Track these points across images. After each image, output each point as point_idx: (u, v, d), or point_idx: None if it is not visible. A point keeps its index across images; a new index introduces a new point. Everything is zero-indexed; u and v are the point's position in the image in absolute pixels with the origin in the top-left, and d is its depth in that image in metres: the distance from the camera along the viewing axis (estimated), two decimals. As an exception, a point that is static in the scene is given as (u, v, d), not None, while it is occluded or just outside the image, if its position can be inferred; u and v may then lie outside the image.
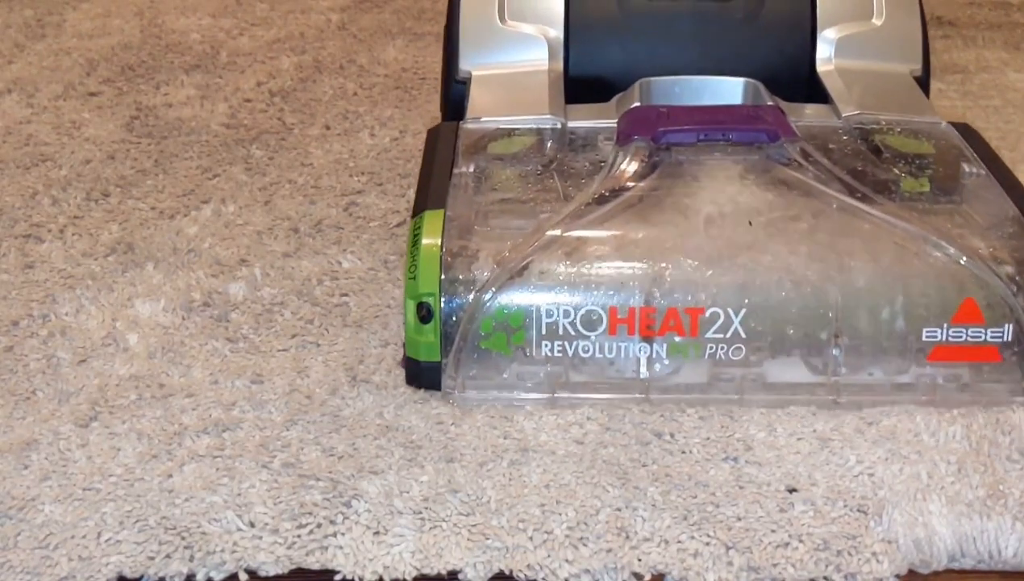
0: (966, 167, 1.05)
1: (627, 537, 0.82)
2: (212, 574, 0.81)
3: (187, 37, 1.69)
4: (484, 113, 1.13)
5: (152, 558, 0.81)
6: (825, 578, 0.80)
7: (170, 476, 0.88)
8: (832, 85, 1.17)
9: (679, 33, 1.22)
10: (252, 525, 0.83)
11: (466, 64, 1.20)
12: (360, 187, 1.29)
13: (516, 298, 0.94)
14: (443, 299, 0.95)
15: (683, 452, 0.90)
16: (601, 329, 0.94)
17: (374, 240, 1.19)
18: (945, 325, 0.94)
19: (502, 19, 1.22)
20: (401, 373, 0.98)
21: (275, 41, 1.68)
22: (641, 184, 1.00)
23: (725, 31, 1.22)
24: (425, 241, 0.96)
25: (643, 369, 0.95)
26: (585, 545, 0.82)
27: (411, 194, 1.08)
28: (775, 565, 0.81)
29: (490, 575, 0.80)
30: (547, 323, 0.94)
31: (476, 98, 1.16)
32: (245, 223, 1.22)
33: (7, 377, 0.99)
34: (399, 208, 1.25)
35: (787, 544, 0.82)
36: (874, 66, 1.20)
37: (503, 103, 1.15)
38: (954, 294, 0.94)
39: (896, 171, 1.04)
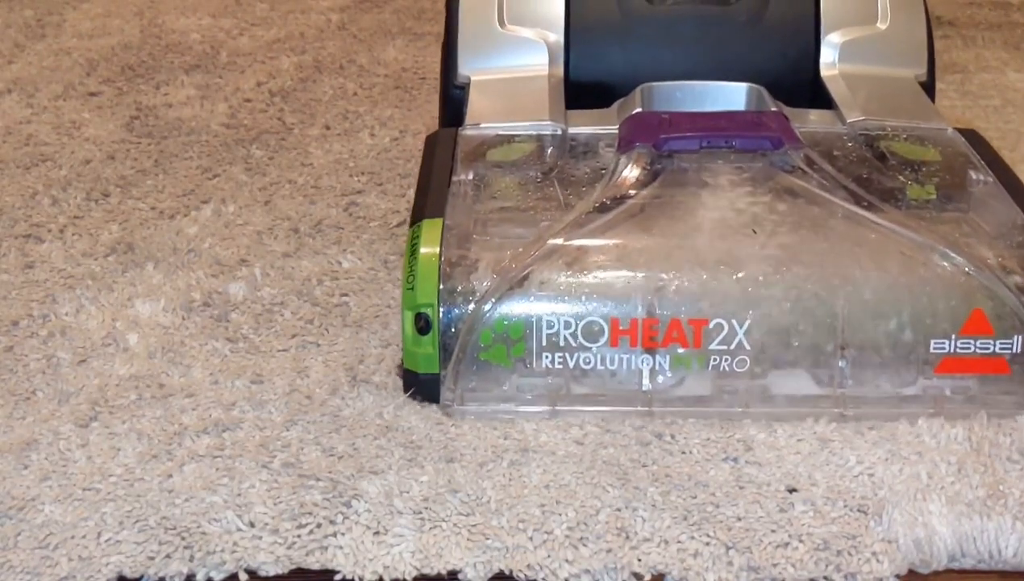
0: (973, 174, 1.04)
1: (627, 537, 0.82)
2: (212, 574, 0.81)
3: (187, 37, 1.69)
4: (483, 119, 1.12)
5: (152, 558, 0.81)
6: (825, 578, 0.80)
7: (170, 476, 0.88)
8: (836, 90, 1.16)
9: (681, 37, 1.21)
10: (252, 525, 0.83)
11: (465, 69, 1.19)
12: (360, 187, 1.29)
13: (516, 309, 0.93)
14: (442, 310, 0.93)
15: (683, 452, 0.90)
16: (603, 340, 0.93)
17: (374, 240, 1.19)
18: (953, 336, 0.92)
19: (501, 23, 1.20)
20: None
21: (275, 41, 1.68)
22: (643, 192, 0.99)
23: (728, 35, 1.21)
24: (423, 250, 0.95)
25: (645, 381, 0.94)
26: (585, 545, 0.82)
27: (411, 194, 1.07)
28: (775, 565, 0.80)
29: (490, 575, 0.80)
30: (548, 334, 0.93)
31: (475, 104, 1.15)
32: (245, 223, 1.22)
33: (7, 377, 0.99)
34: (399, 208, 1.25)
35: (787, 544, 0.82)
36: (879, 71, 1.19)
37: (502, 109, 1.14)
38: (962, 305, 0.92)
39: (902, 178, 1.02)
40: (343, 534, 0.83)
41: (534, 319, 0.93)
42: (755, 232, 0.96)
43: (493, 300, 0.93)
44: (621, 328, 0.93)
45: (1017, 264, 0.94)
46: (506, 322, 0.93)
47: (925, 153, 1.06)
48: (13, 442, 0.91)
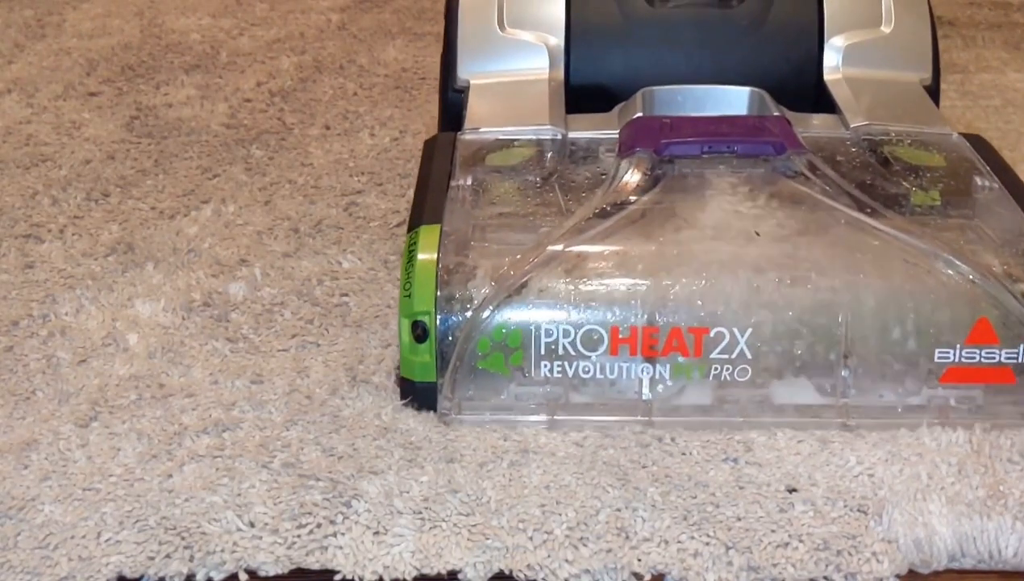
0: (978, 180, 1.02)
1: (627, 537, 0.82)
2: (212, 574, 0.81)
3: (187, 37, 1.69)
4: (482, 123, 1.11)
5: (152, 558, 0.81)
6: (825, 578, 0.80)
7: (170, 476, 0.88)
8: (840, 94, 1.14)
9: (683, 41, 1.19)
10: (252, 525, 0.83)
11: (464, 72, 1.18)
12: (360, 187, 1.29)
13: (514, 316, 0.92)
14: (439, 317, 0.92)
15: (683, 454, 0.90)
16: (602, 349, 0.92)
17: (374, 240, 1.19)
18: (958, 346, 0.91)
19: (501, 26, 1.19)
20: (401, 373, 0.99)
21: (275, 41, 1.68)
22: (644, 198, 0.98)
23: (730, 38, 1.19)
24: (421, 257, 0.94)
25: (646, 390, 0.92)
26: (585, 545, 0.82)
27: (411, 194, 1.07)
28: (775, 565, 0.80)
29: (490, 575, 0.80)
30: (546, 343, 0.91)
31: (474, 108, 1.14)
32: (245, 223, 1.22)
33: (7, 377, 0.99)
34: (399, 208, 1.25)
35: (787, 544, 0.82)
36: (883, 75, 1.18)
37: (502, 113, 1.13)
38: (967, 313, 0.91)
39: (906, 184, 1.01)
40: (343, 534, 0.83)
41: (533, 327, 0.91)
42: (758, 234, 0.95)
43: (491, 308, 0.92)
44: (621, 336, 0.91)
45: (1023, 272, 0.93)
46: (504, 330, 0.92)
47: (930, 158, 1.05)
48: (13, 442, 0.91)
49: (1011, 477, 0.87)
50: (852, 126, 1.10)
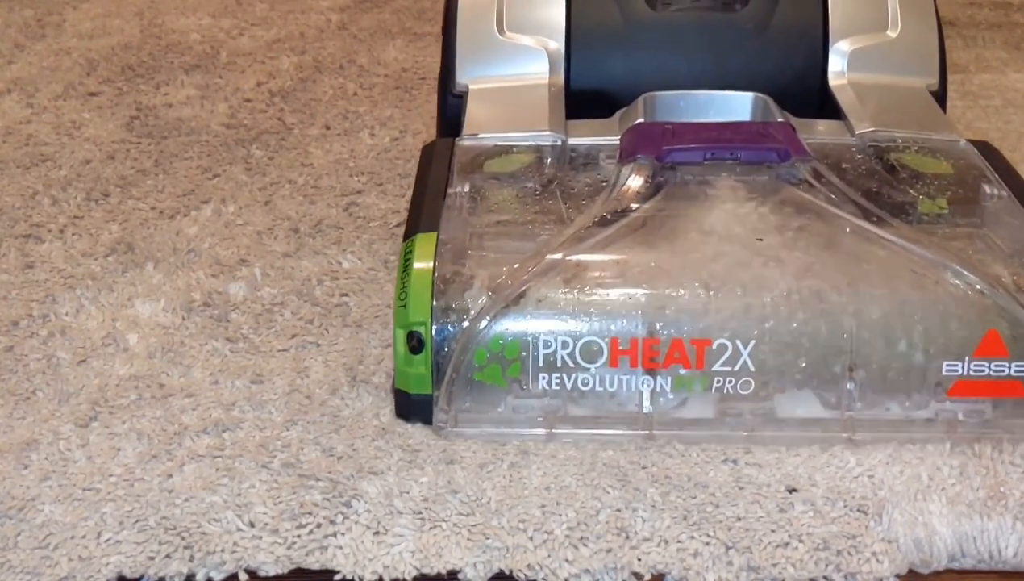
0: (987, 188, 1.01)
1: (627, 537, 0.82)
2: (212, 574, 0.81)
3: (187, 37, 1.69)
4: (481, 129, 1.09)
5: (152, 558, 0.81)
6: (825, 578, 0.80)
7: (170, 476, 0.88)
8: (845, 100, 1.13)
9: (685, 45, 1.18)
10: (252, 525, 0.83)
11: (463, 77, 1.16)
12: (360, 187, 1.29)
13: (512, 327, 0.90)
14: (435, 328, 0.90)
15: (683, 455, 0.90)
16: (602, 361, 0.90)
17: (374, 240, 1.19)
18: (966, 358, 0.89)
19: (501, 30, 1.18)
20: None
21: (275, 41, 1.68)
22: (645, 206, 0.96)
23: (733, 43, 1.17)
24: (416, 266, 0.92)
25: (646, 403, 0.90)
26: (585, 545, 0.82)
27: (411, 195, 1.07)
28: (775, 565, 0.80)
29: (490, 575, 0.80)
30: (545, 354, 0.89)
31: (473, 113, 1.12)
32: (245, 223, 1.22)
33: (7, 377, 0.99)
34: (399, 208, 1.25)
35: (787, 544, 0.82)
36: (889, 80, 1.16)
37: (501, 118, 1.11)
38: (976, 325, 0.89)
39: (913, 192, 1.00)
40: (343, 534, 0.83)
41: (531, 338, 0.89)
42: (760, 239, 0.93)
43: (488, 318, 0.90)
44: (621, 348, 0.90)
45: None
46: (502, 341, 0.90)
47: (937, 166, 1.03)
48: (13, 442, 0.91)
49: (1012, 478, 0.87)
50: (858, 132, 1.08)
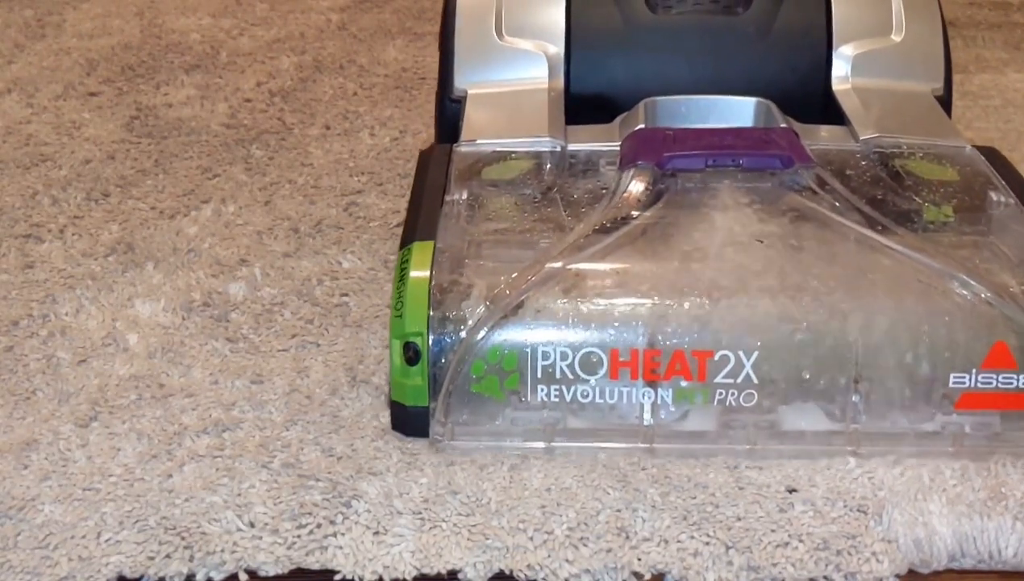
0: (993, 195, 0.99)
1: (627, 537, 0.82)
2: (212, 574, 0.80)
3: (187, 37, 1.69)
4: (479, 135, 1.08)
5: (152, 558, 0.81)
6: (825, 578, 0.80)
7: (170, 476, 0.88)
8: (849, 105, 1.11)
9: (686, 49, 1.16)
10: (252, 525, 0.83)
11: (461, 82, 1.15)
12: (360, 187, 1.29)
13: (510, 338, 0.88)
14: (431, 338, 0.88)
15: (682, 456, 0.90)
16: (602, 372, 0.88)
17: (374, 240, 1.19)
18: (974, 370, 0.87)
19: (499, 34, 1.16)
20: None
21: (275, 41, 1.68)
22: (646, 214, 0.95)
23: (735, 47, 1.16)
24: (413, 275, 0.90)
25: (647, 416, 0.89)
26: (585, 545, 0.82)
27: (408, 201, 1.07)
28: (775, 565, 0.80)
29: (490, 575, 0.80)
30: (543, 366, 0.88)
31: (471, 118, 1.11)
32: (245, 223, 1.22)
33: (7, 377, 0.99)
34: (399, 208, 1.25)
35: (787, 544, 0.82)
36: (893, 85, 1.14)
37: (500, 124, 1.10)
38: (983, 337, 0.87)
39: (918, 200, 0.98)
40: (343, 534, 0.83)
41: (529, 349, 0.88)
42: (762, 241, 0.92)
43: (486, 328, 0.88)
44: (621, 359, 0.88)
45: None
46: (500, 352, 0.88)
47: (943, 172, 1.02)
48: (13, 442, 0.91)
49: (1012, 479, 0.87)
50: (862, 138, 1.06)
